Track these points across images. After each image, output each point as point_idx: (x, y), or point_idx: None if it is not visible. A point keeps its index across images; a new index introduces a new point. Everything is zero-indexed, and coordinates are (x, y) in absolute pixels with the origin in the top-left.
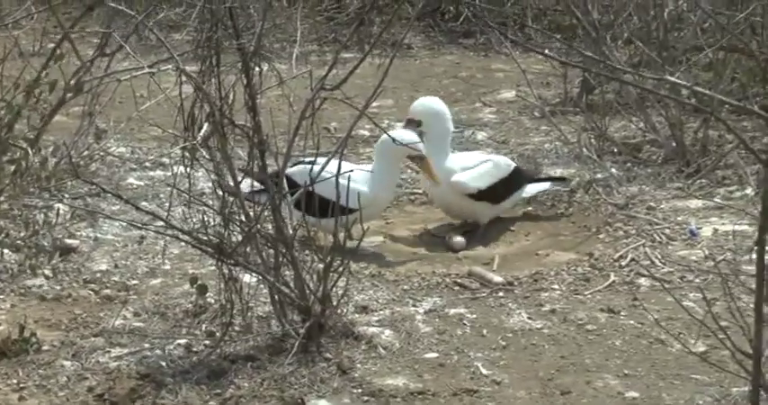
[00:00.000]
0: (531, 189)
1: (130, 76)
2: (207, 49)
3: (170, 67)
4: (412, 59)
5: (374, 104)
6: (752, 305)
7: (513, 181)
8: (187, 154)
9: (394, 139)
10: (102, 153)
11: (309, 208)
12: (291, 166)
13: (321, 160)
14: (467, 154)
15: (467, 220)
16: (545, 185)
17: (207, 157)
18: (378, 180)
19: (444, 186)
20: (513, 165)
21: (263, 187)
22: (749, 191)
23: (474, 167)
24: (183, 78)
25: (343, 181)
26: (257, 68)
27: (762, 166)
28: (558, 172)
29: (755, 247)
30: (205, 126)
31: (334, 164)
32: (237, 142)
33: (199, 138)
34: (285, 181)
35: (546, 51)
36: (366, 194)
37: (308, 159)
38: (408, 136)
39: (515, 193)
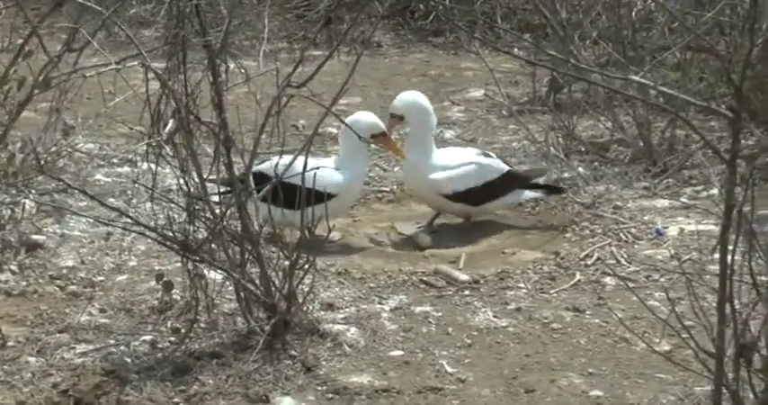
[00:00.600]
0: (521, 196)
1: (97, 72)
2: (173, 46)
3: (137, 63)
4: (381, 57)
5: (342, 102)
6: (715, 305)
7: (501, 185)
8: (152, 150)
9: (346, 124)
10: (69, 149)
11: (280, 201)
12: (260, 164)
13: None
14: (456, 150)
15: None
16: (538, 194)
17: (172, 153)
18: (347, 168)
19: (423, 181)
20: (505, 169)
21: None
22: (715, 191)
23: (456, 168)
24: (151, 75)
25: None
26: (224, 65)
27: (726, 166)
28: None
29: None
30: (171, 122)
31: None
32: (205, 139)
33: (164, 134)
34: (258, 177)
35: (516, 50)
36: (338, 181)
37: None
38: (366, 117)
39: (501, 198)
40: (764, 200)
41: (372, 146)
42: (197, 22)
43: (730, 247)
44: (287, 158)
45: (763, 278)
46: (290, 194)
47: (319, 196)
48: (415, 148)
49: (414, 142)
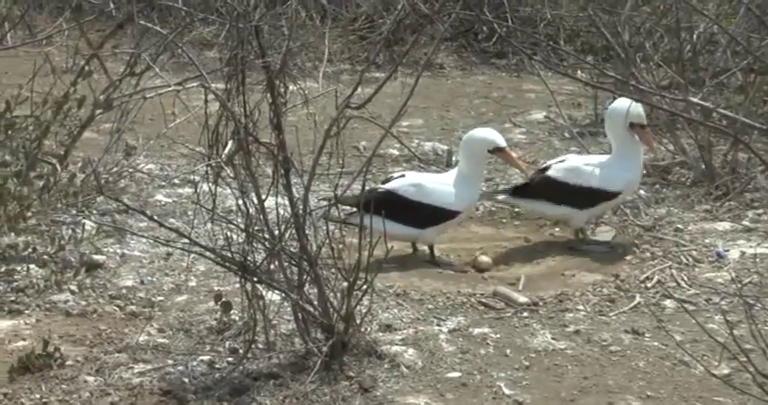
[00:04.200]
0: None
1: (157, 93)
2: (233, 68)
3: (196, 84)
4: (444, 79)
5: (404, 124)
6: None
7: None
8: (212, 171)
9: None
10: (130, 170)
11: (404, 219)
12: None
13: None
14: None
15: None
16: None
17: (231, 174)
18: (467, 185)
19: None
20: None
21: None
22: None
23: None
24: (211, 96)
25: (434, 185)
26: (283, 86)
27: None
28: None
29: None
30: (230, 143)
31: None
32: (264, 160)
33: (224, 155)
34: (387, 195)
35: (578, 73)
36: (464, 198)
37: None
38: (486, 133)
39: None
40: None
41: None
42: (257, 43)
43: None
44: (414, 176)
45: None
46: (417, 212)
47: (448, 214)
48: None
49: None
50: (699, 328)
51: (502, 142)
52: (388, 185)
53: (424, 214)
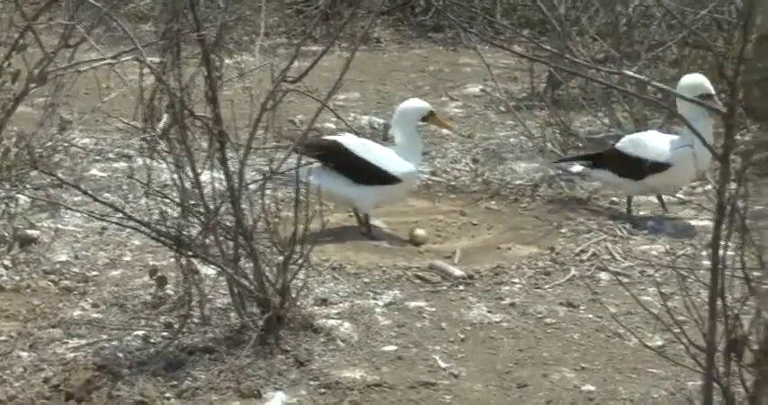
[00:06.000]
0: None
1: (92, 67)
2: (168, 41)
3: (131, 57)
4: (380, 53)
5: (340, 97)
6: (707, 300)
7: None
8: (147, 146)
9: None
10: (65, 144)
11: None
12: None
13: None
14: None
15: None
16: None
17: (166, 148)
18: (406, 155)
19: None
20: None
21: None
22: (710, 186)
23: None
24: (146, 70)
25: (380, 149)
26: (219, 60)
27: (719, 162)
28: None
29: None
30: (165, 117)
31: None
32: (200, 134)
33: (158, 129)
34: (336, 146)
35: (514, 46)
36: (408, 168)
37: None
38: (416, 102)
39: None
40: (758, 196)
41: None
42: (192, 16)
43: (723, 243)
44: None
45: (756, 273)
46: (359, 169)
47: (388, 179)
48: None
49: None
50: (633, 300)
51: (430, 107)
52: (336, 137)
53: (365, 172)
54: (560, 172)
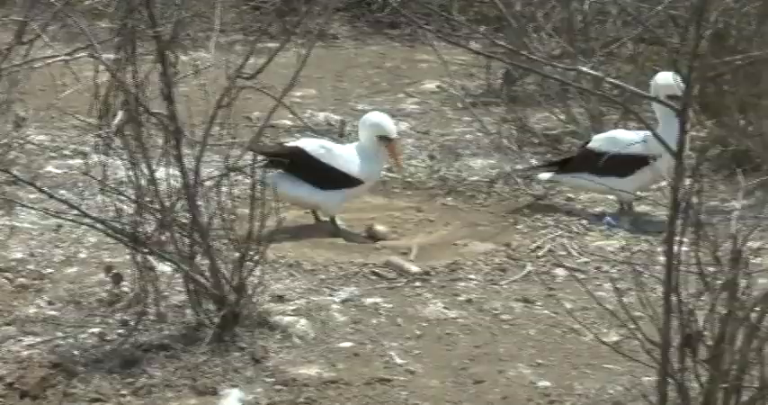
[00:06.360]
0: None
1: (45, 63)
2: (123, 38)
3: (86, 54)
4: (337, 50)
5: (297, 94)
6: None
7: None
8: (102, 142)
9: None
10: (20, 141)
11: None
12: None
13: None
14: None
15: None
16: None
17: (122, 145)
18: (368, 155)
19: None
20: None
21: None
22: (665, 183)
23: None
24: (102, 67)
25: (342, 151)
26: (174, 57)
27: (673, 158)
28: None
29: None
30: (120, 114)
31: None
32: (157, 131)
33: (113, 126)
34: (299, 153)
35: (471, 43)
36: (367, 169)
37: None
38: (377, 117)
39: None
40: (713, 191)
41: None
42: (147, 13)
43: (677, 239)
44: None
45: (710, 269)
46: (323, 175)
47: (353, 182)
48: None
49: None
50: (589, 296)
51: (392, 133)
52: (298, 142)
53: (329, 177)
54: (518, 167)
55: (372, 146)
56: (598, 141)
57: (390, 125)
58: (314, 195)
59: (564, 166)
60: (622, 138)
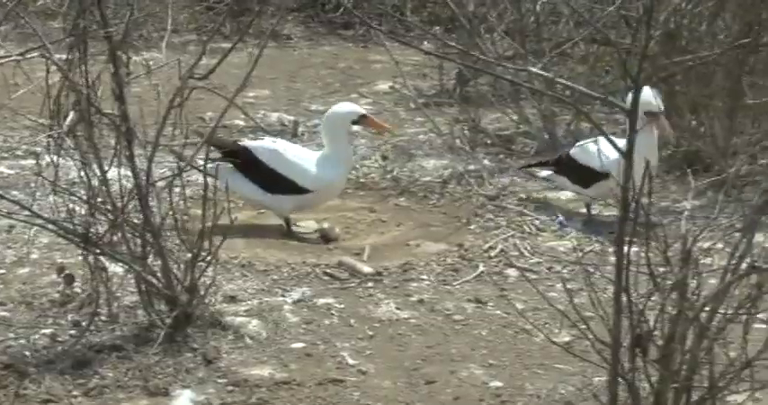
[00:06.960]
0: None
1: None
2: (75, 38)
3: (38, 54)
4: (291, 50)
5: (250, 94)
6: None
7: None
8: (54, 143)
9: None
10: None
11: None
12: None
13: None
14: None
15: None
16: None
17: (73, 146)
18: (329, 162)
19: None
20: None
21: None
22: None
23: None
24: (53, 67)
25: (293, 156)
26: (126, 57)
27: (623, 158)
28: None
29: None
30: (71, 114)
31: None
32: (109, 131)
33: (65, 126)
34: (245, 154)
35: (424, 43)
36: (321, 177)
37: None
38: (346, 106)
39: None
40: (664, 192)
41: None
42: (99, 13)
43: (627, 239)
44: (279, 142)
45: (660, 269)
46: (269, 178)
47: (297, 189)
48: None
49: None
50: (540, 296)
51: (362, 110)
52: (246, 142)
53: (274, 182)
54: (470, 168)
55: (339, 145)
56: (576, 148)
57: (358, 107)
58: (262, 197)
59: (557, 166)
60: (592, 149)
